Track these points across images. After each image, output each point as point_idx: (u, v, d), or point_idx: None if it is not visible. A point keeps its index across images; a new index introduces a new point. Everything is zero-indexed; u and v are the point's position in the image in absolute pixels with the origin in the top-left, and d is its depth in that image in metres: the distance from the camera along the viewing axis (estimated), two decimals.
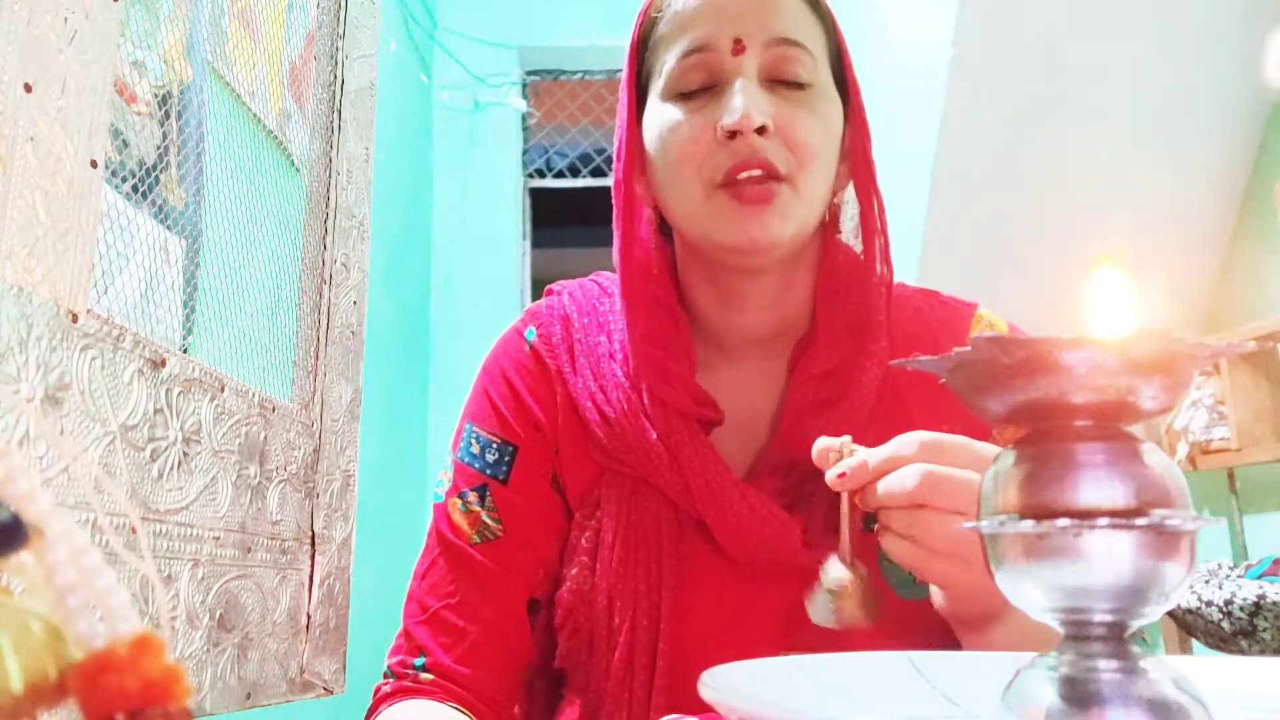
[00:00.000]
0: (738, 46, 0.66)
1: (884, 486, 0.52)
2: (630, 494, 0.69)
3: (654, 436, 0.68)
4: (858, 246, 0.73)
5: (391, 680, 0.69)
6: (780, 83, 0.66)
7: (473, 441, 0.73)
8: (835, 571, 0.53)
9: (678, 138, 0.67)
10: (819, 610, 0.53)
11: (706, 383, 0.70)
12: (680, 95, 0.68)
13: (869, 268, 0.71)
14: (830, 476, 0.54)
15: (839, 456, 0.54)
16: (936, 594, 0.58)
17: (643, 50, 0.72)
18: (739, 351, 0.73)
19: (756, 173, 0.64)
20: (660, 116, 0.69)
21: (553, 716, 0.75)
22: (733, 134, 0.64)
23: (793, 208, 0.66)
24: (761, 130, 0.64)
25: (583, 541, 0.69)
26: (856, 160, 0.71)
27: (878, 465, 0.53)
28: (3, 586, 0.23)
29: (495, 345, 0.78)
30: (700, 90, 0.67)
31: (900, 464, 0.52)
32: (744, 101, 0.64)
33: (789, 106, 0.66)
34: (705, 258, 0.71)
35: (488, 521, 0.70)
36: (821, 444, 0.55)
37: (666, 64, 0.68)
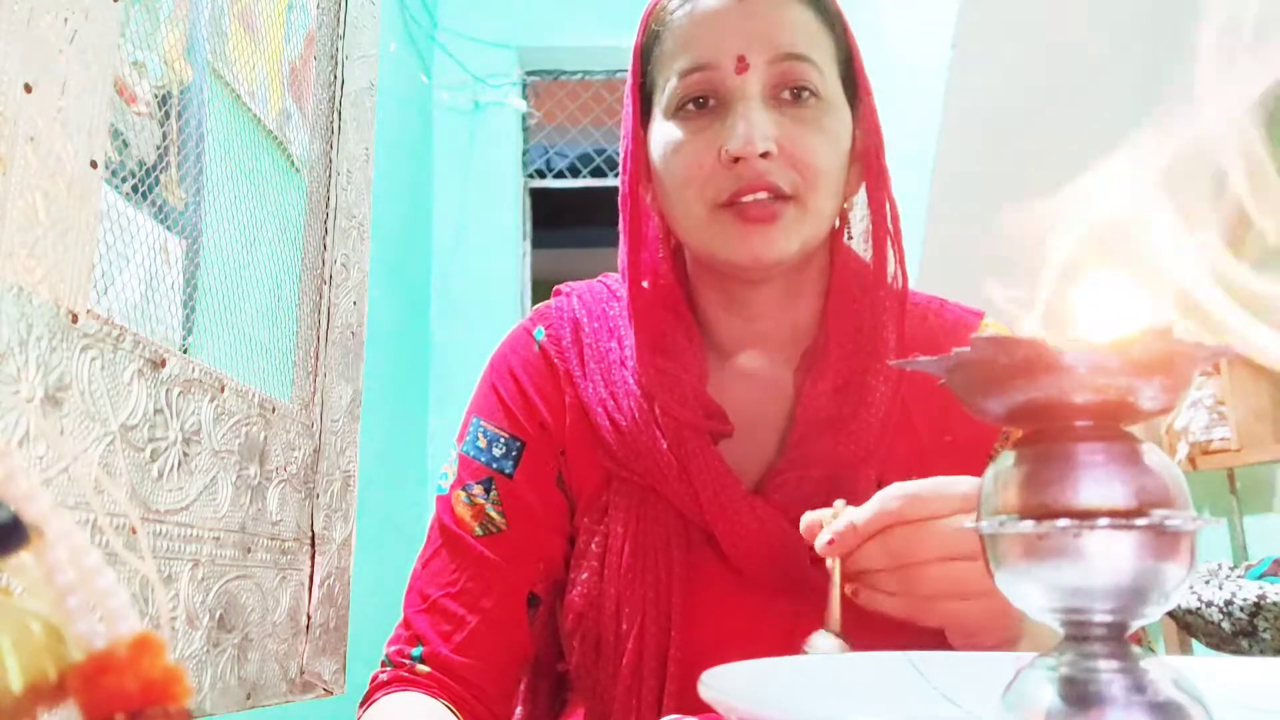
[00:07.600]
0: (741, 65, 0.65)
1: (863, 561, 0.52)
2: (639, 502, 0.69)
3: (664, 447, 0.67)
4: (866, 252, 0.72)
5: (389, 669, 0.69)
6: (786, 97, 0.66)
7: (479, 435, 0.73)
8: (823, 644, 0.51)
9: (681, 159, 0.66)
10: None
11: (715, 392, 0.70)
12: (683, 114, 0.67)
13: (879, 276, 0.71)
14: (820, 544, 0.53)
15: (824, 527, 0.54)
16: (950, 636, 0.57)
17: (646, 60, 0.72)
18: (748, 360, 0.73)
19: (762, 195, 0.64)
20: (664, 135, 0.68)
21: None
22: (737, 158, 0.64)
23: (798, 225, 0.65)
24: (765, 155, 0.63)
25: (592, 546, 0.69)
26: (868, 166, 0.71)
27: (864, 528, 0.53)
28: (3, 586, 0.23)
29: (503, 343, 0.77)
30: (704, 108, 0.66)
31: (885, 521, 0.52)
32: (748, 126, 0.63)
33: (794, 125, 0.65)
34: (712, 268, 0.71)
35: (492, 514, 0.70)
36: (809, 518, 0.55)
37: (669, 80, 0.68)
